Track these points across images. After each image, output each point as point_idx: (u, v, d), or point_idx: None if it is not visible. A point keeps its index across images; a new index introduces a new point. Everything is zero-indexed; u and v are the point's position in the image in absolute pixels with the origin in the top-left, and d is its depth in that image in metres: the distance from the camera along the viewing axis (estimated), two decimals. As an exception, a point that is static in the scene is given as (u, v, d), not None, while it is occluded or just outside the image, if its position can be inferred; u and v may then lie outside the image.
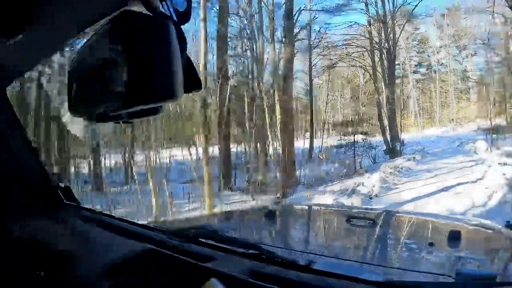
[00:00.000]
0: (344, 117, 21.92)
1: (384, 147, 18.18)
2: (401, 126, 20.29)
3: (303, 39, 18.49)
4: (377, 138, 19.11)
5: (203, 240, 1.09)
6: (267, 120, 13.84)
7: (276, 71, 21.37)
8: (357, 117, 19.34)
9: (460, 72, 37.27)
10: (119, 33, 0.54)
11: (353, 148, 16.67)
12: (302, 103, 29.70)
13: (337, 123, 19.16)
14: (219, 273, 0.78)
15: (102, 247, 1.02)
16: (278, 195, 11.17)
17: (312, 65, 24.05)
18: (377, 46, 19.24)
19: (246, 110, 14.18)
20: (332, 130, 20.12)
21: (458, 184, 10.00)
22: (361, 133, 17.24)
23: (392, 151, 17.28)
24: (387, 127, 18.55)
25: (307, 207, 2.89)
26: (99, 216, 1.34)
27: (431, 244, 1.43)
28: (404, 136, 30.38)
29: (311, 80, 25.48)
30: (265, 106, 13.79)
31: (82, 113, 0.68)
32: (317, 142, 20.38)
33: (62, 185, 1.43)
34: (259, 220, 2.00)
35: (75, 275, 0.89)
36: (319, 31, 20.36)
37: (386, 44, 18.78)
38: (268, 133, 11.84)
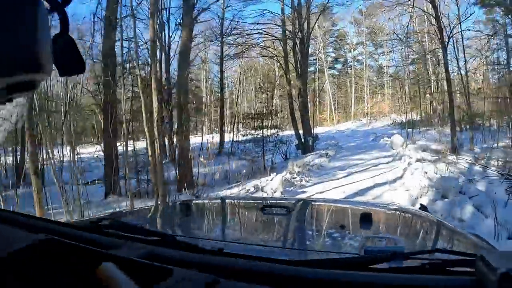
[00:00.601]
0: (257, 110, 19.66)
1: (297, 142, 16.18)
2: (313, 119, 18.49)
3: (203, 21, 15.97)
4: (291, 132, 17.36)
5: (106, 230, 1.01)
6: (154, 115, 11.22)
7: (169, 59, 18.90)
8: (268, 110, 17.12)
9: (376, 68, 37.74)
10: None
11: (262, 143, 14.45)
12: (217, 96, 27.49)
13: (247, 116, 16.80)
14: (116, 257, 0.73)
15: None
16: (158, 200, 8.39)
17: (223, 56, 21.67)
18: (289, 35, 17.12)
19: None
20: (242, 123, 17.78)
21: (376, 186, 8.10)
22: (271, 127, 15.07)
23: (305, 146, 15.32)
24: (300, 121, 16.56)
25: (220, 200, 2.83)
26: None
27: (342, 227, 1.47)
28: (318, 130, 29.51)
29: (221, 71, 23.07)
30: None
31: None
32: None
33: None
34: (170, 213, 2.01)
35: None
36: (232, 20, 18.32)
37: (299, 34, 16.69)
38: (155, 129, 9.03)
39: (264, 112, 15.98)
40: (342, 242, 1.32)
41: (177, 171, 11.33)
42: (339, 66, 42.35)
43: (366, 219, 1.43)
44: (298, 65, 16.38)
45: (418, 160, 10.69)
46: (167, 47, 19.21)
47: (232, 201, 2.86)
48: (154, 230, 1.19)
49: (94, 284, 0.65)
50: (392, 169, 10.13)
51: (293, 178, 9.11)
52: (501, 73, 21.44)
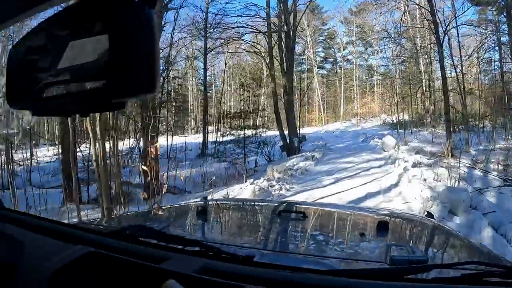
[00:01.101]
0: (239, 109, 18.24)
1: (282, 143, 14.83)
2: (300, 119, 17.20)
3: (172, 8, 14.63)
4: (277, 132, 15.83)
5: (143, 240, 0.98)
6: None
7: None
8: (250, 108, 15.75)
9: (366, 67, 36.68)
10: (91, 15, 0.50)
11: (243, 144, 13.13)
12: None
13: (227, 115, 15.43)
14: (174, 273, 0.72)
15: (36, 252, 0.85)
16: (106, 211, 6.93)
17: (208, 49, 20.29)
18: (274, 28, 15.70)
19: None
20: (223, 123, 16.37)
21: (369, 196, 6.80)
22: (254, 127, 13.75)
23: (290, 148, 13.96)
24: (286, 120, 15.20)
25: (234, 202, 3.06)
26: (28, 218, 1.12)
27: (362, 235, 1.44)
28: (307, 130, 28.35)
29: (205, 68, 21.68)
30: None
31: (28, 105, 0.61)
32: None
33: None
34: (193, 216, 1.93)
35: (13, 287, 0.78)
36: (216, 14, 17.03)
37: (285, 27, 15.27)
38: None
39: (246, 110, 14.58)
40: (366, 250, 1.33)
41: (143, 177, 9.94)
42: (328, 66, 41.47)
43: (383, 226, 1.42)
44: (284, 61, 14.96)
45: (414, 165, 9.40)
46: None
47: (248, 203, 2.74)
48: (193, 239, 1.08)
49: None
50: (386, 175, 8.86)
51: (271, 186, 7.72)
52: (493, 74, 20.61)
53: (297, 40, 40.75)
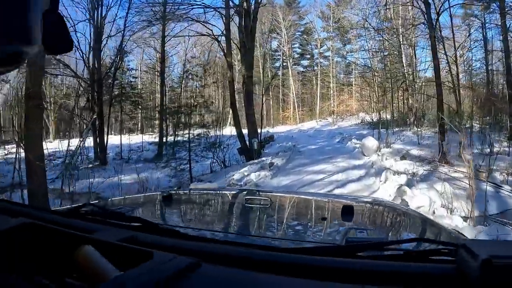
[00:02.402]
0: (184, 103, 15.08)
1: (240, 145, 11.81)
2: (261, 116, 14.22)
3: None
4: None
5: (88, 216, 0.99)
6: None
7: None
8: (202, 101, 12.68)
9: (343, 65, 34.24)
10: None
11: (189, 147, 10.16)
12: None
13: (172, 111, 12.33)
14: (96, 241, 0.71)
15: None
16: None
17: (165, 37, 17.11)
18: (232, 4, 12.53)
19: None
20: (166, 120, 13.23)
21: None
22: (202, 125, 10.79)
23: (248, 151, 10.97)
24: (246, 117, 12.15)
25: (205, 191, 2.55)
26: None
27: (324, 219, 1.50)
28: (279, 129, 25.54)
29: (163, 57, 18.46)
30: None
31: None
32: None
33: None
34: (152, 203, 1.92)
35: None
36: None
37: (244, 4, 12.13)
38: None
39: (191, 104, 11.50)
40: (325, 233, 1.31)
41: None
42: (305, 62, 38.92)
43: (347, 211, 1.40)
44: (243, 43, 11.85)
45: (410, 174, 6.60)
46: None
47: (217, 192, 2.55)
48: (135, 216, 1.08)
49: (73, 266, 0.64)
50: (370, 194, 6.01)
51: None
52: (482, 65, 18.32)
53: (273, 36, 38.62)
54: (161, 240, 0.78)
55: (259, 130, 12.30)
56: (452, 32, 13.85)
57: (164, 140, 14.60)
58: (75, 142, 12.03)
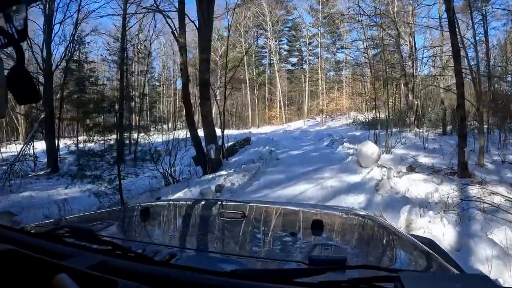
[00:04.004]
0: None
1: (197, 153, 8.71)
2: (223, 113, 11.09)
3: None
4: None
5: (64, 239, 0.95)
6: None
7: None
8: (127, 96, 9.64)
9: (333, 61, 31.42)
10: None
11: (118, 158, 7.15)
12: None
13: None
14: (70, 268, 0.71)
15: None
16: None
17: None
18: None
19: None
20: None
21: None
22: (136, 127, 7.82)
23: (204, 160, 7.87)
24: (201, 116, 9.05)
25: (180, 202, 2.59)
26: None
27: (292, 234, 1.42)
28: (263, 129, 22.76)
29: (123, 37, 15.46)
30: None
31: None
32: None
33: None
34: (128, 217, 1.82)
35: None
36: None
37: None
38: None
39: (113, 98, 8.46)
40: (291, 250, 1.29)
41: None
42: (294, 60, 36.14)
43: (317, 226, 1.37)
44: (201, 28, 8.69)
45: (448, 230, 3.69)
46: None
47: (188, 203, 2.49)
48: (108, 238, 1.07)
49: None
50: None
51: None
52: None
53: (260, 32, 35.70)
54: (128, 265, 0.78)
55: (227, 132, 9.26)
56: (470, 10, 10.93)
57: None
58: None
